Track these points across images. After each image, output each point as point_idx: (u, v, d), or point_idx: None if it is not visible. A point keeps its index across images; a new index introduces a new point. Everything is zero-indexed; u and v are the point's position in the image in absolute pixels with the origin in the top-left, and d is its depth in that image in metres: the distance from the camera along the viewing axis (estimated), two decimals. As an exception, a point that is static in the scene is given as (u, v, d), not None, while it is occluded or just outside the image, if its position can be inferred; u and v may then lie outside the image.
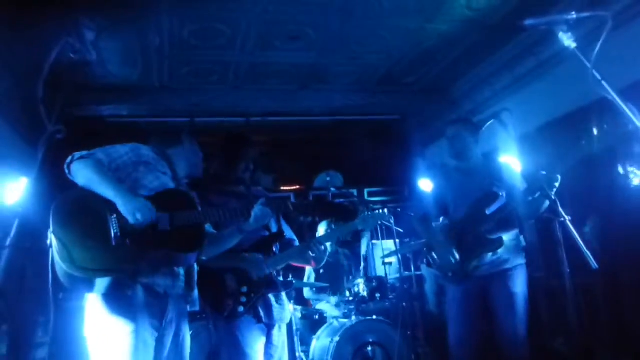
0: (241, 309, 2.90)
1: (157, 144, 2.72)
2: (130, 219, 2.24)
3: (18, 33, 3.91)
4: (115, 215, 2.25)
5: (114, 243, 2.21)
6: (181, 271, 2.50)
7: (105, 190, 2.27)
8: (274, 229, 3.26)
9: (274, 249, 3.18)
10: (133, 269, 2.26)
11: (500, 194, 3.38)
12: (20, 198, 4.11)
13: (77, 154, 2.38)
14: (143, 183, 2.43)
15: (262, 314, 2.97)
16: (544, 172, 2.88)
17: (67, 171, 2.40)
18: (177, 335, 2.47)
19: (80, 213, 2.26)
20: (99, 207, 2.26)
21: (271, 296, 3.06)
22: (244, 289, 2.94)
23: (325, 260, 3.38)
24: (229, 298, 2.92)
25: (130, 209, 2.23)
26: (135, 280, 2.28)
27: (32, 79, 4.53)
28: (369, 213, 3.35)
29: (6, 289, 1.01)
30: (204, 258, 2.79)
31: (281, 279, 3.22)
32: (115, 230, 2.23)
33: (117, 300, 2.24)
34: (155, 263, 2.33)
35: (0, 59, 4.24)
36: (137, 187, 2.41)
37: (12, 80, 4.56)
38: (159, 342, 2.35)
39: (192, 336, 4.30)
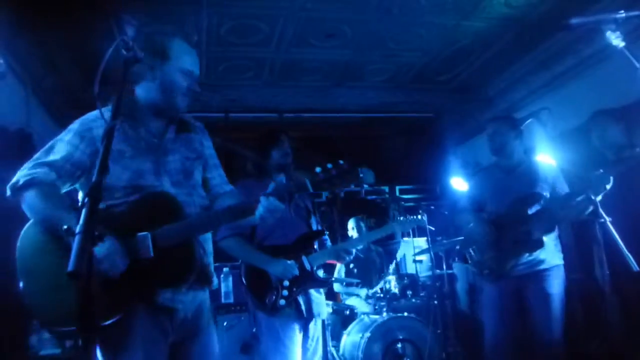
0: (282, 302, 2.96)
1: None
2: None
3: (66, 32, 4.05)
4: None
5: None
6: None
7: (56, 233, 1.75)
8: (314, 227, 3.32)
9: (315, 246, 3.22)
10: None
11: (544, 194, 3.34)
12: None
13: (15, 179, 1.86)
14: (110, 183, 1.82)
15: (303, 307, 3.02)
16: (597, 173, 2.77)
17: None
18: (204, 332, 2.06)
19: (44, 256, 1.79)
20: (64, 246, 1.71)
21: (312, 290, 3.11)
22: (286, 283, 2.99)
23: (350, 259, 3.37)
24: (272, 292, 2.97)
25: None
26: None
27: (79, 74, 4.70)
28: (405, 218, 3.37)
29: (78, 273, 1.02)
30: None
31: (322, 274, 3.25)
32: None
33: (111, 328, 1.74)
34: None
35: (45, 57, 4.41)
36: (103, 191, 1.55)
37: (56, 76, 4.74)
38: (180, 345, 1.96)
39: (226, 328, 4.47)
